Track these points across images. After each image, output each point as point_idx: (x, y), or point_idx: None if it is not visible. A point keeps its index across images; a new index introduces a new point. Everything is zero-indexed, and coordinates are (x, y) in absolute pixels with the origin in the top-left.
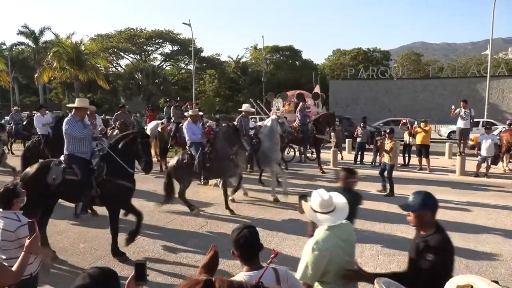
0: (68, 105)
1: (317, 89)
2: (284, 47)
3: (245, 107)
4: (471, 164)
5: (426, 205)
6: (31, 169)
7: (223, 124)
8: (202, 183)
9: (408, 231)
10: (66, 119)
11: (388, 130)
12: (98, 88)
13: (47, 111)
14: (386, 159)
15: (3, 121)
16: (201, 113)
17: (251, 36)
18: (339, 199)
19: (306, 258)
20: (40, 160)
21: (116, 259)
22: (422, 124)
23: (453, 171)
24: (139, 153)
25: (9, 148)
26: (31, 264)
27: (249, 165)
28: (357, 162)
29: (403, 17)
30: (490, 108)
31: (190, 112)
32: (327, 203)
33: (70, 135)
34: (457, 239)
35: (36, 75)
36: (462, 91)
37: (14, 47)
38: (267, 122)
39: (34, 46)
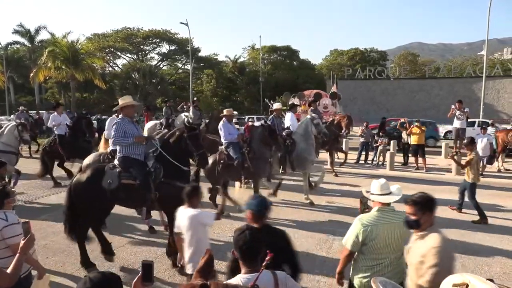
0: (114, 109)
1: (334, 88)
2: (281, 47)
3: (276, 105)
4: None
5: (247, 205)
6: (84, 175)
7: (259, 125)
8: (244, 184)
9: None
10: (114, 122)
11: (465, 140)
12: (95, 87)
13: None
14: (465, 176)
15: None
16: (235, 113)
17: (249, 36)
18: (394, 187)
19: (351, 228)
20: (95, 164)
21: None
22: (417, 124)
23: (449, 171)
24: (190, 148)
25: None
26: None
27: (281, 166)
28: (360, 162)
29: (400, 17)
30: (485, 108)
31: (224, 112)
32: (385, 186)
33: (125, 135)
34: (454, 237)
35: (31, 74)
36: (458, 91)
37: (9, 46)
38: (301, 122)
39: (30, 45)
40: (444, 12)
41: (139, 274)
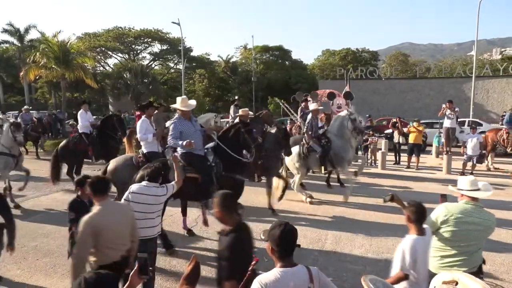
0: (171, 106)
1: (347, 88)
2: (274, 47)
3: (313, 106)
4: (457, 163)
5: None
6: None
7: (275, 127)
8: (256, 181)
9: (396, 230)
10: (171, 122)
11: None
12: (86, 87)
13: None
14: None
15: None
16: (251, 112)
17: (241, 36)
18: (481, 184)
19: (435, 210)
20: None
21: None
22: (415, 124)
23: (440, 169)
24: (247, 142)
25: (25, 148)
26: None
27: (322, 167)
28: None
29: (392, 17)
30: (475, 108)
31: (240, 112)
32: (474, 182)
33: (181, 135)
34: None
35: (21, 73)
36: (448, 91)
37: None
38: (335, 119)
39: (19, 45)
40: (434, 13)
41: (135, 268)
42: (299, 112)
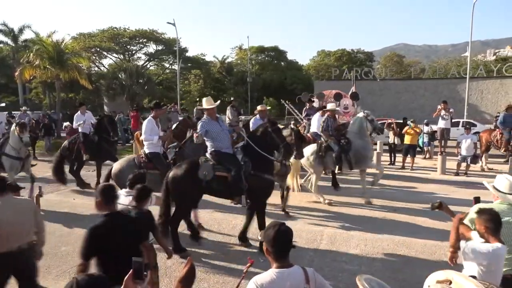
0: (198, 108)
1: (354, 89)
2: (269, 48)
3: (330, 106)
4: (451, 163)
5: None
6: (181, 168)
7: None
8: None
9: (391, 230)
10: (200, 120)
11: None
12: (80, 88)
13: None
14: None
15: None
16: (269, 107)
17: (237, 36)
18: None
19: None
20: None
21: (241, 244)
22: (411, 125)
23: (434, 170)
24: (275, 141)
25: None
26: None
27: (337, 166)
28: None
29: (387, 19)
30: (469, 109)
31: (258, 108)
32: None
33: (207, 133)
34: (439, 235)
35: (16, 73)
36: (442, 92)
37: None
38: (353, 121)
39: (13, 45)
40: (429, 13)
41: (130, 272)
42: (303, 113)
